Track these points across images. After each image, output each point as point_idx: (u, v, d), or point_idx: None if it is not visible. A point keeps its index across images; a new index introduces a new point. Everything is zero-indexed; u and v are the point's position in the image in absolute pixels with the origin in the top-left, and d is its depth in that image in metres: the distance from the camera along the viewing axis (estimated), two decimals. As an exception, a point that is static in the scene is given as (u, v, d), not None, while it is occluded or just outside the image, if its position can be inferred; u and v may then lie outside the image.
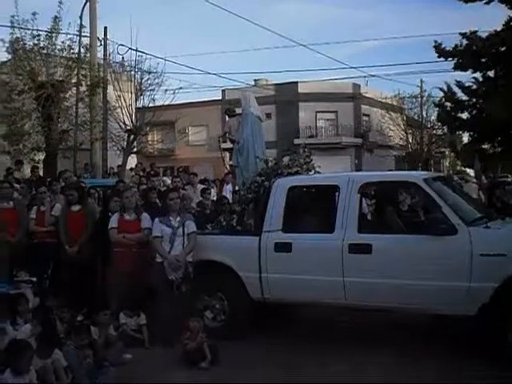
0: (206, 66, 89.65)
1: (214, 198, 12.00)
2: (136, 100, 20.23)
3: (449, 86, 26.65)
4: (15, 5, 16.04)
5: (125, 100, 19.77)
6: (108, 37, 21.13)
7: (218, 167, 27.11)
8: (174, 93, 21.15)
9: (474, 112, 25.51)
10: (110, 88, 19.82)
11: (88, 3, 18.61)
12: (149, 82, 20.10)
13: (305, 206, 8.36)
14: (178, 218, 8.02)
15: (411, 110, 44.31)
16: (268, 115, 36.84)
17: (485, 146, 27.51)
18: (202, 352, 6.88)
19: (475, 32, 23.78)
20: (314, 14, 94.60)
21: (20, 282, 8.30)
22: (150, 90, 20.08)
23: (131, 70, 20.57)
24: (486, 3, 24.02)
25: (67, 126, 17.38)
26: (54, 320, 7.38)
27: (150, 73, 20.11)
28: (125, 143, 19.87)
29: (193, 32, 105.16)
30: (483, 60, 23.87)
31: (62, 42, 16.76)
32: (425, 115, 43.50)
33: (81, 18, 18.64)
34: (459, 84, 25.98)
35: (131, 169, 18.90)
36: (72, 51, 17.09)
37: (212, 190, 13.09)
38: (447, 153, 49.03)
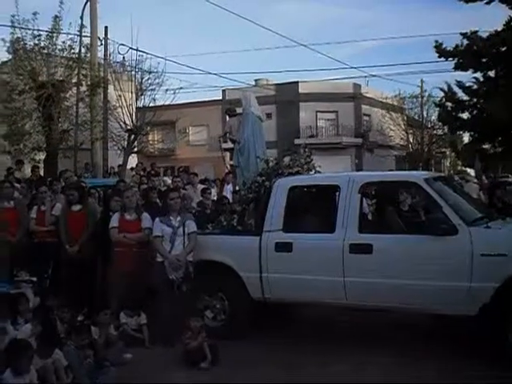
0: (206, 65, 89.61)
1: (215, 198, 12.01)
2: (136, 100, 20.23)
3: (449, 86, 26.65)
4: (16, 4, 16.06)
5: (125, 100, 19.76)
6: (109, 36, 21.21)
7: (218, 167, 27.12)
8: (174, 93, 21.16)
9: (475, 112, 25.51)
10: (110, 88, 19.83)
11: (88, 3, 18.64)
12: (149, 81, 20.10)
13: (305, 206, 8.35)
14: (179, 218, 8.02)
15: (412, 109, 44.33)
16: (268, 115, 36.85)
17: (485, 146, 27.51)
18: (202, 352, 6.89)
19: (476, 32, 23.78)
20: (314, 13, 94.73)
21: (20, 281, 8.30)
22: (151, 89, 20.08)
23: (132, 70, 20.60)
24: (487, 3, 24.02)
25: (68, 126, 17.39)
26: (55, 320, 7.37)
27: (150, 72, 20.12)
28: (125, 143, 19.87)
29: (193, 32, 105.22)
30: (484, 60, 23.87)
31: (63, 42, 16.80)
32: (425, 115, 43.51)
33: (81, 17, 18.70)
34: (460, 84, 25.98)
35: (132, 168, 18.92)
36: (73, 51, 17.11)
37: (212, 190, 13.08)
38: (448, 153, 49.02)
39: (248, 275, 7.79)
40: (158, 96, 20.37)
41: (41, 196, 9.61)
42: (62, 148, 17.44)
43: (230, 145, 11.62)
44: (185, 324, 7.14)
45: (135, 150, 20.69)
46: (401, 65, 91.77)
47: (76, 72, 17.21)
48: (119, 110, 19.85)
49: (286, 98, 41.59)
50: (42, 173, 15.97)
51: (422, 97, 43.41)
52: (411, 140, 43.19)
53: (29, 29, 16.19)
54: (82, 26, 18.19)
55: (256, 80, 42.47)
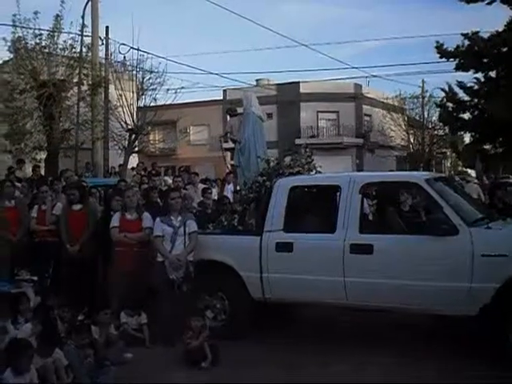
0: (207, 65, 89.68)
1: (216, 198, 12.02)
2: (137, 99, 20.26)
3: (450, 87, 26.71)
4: (17, 4, 16.07)
5: (126, 99, 19.79)
6: (110, 36, 21.25)
7: (219, 167, 27.13)
8: (175, 92, 21.20)
9: (476, 112, 25.57)
10: (111, 87, 19.85)
11: (90, 2, 18.68)
12: (150, 81, 20.15)
13: (306, 206, 8.35)
14: (180, 218, 8.02)
15: (413, 110, 44.30)
16: (269, 115, 36.81)
17: (486, 147, 27.56)
18: (203, 352, 6.89)
19: (477, 33, 23.83)
20: (314, 13, 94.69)
21: (21, 280, 8.31)
22: (152, 89, 20.13)
23: (133, 70, 20.64)
24: (488, 4, 24.09)
25: (69, 125, 17.41)
26: (55, 319, 7.37)
27: (151, 72, 20.16)
28: (126, 142, 19.89)
29: (194, 32, 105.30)
30: (485, 60, 23.92)
31: (64, 41, 16.83)
32: (426, 115, 43.49)
33: (83, 17, 18.74)
34: (461, 84, 26.03)
35: (132, 168, 18.94)
36: (74, 50, 17.14)
37: (213, 190, 13.09)
38: (449, 153, 49.05)
39: (248, 275, 7.79)
40: (159, 96, 20.47)
41: (42, 195, 9.62)
42: (63, 147, 17.47)
43: (230, 145, 11.61)
44: (186, 324, 7.14)
45: (136, 149, 20.71)
46: (402, 65, 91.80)
47: (77, 71, 17.23)
48: (120, 109, 19.88)
49: (287, 98, 41.61)
50: (42, 172, 15.98)
51: (423, 97, 43.40)
52: (412, 140, 43.19)
53: (30, 28, 16.24)
54: (83, 25, 18.26)
55: (257, 80, 42.49)
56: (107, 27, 21.09)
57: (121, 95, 19.80)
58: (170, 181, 15.15)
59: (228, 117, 12.89)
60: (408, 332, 7.97)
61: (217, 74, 43.23)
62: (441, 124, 35.79)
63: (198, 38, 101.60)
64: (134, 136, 19.73)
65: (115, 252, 8.41)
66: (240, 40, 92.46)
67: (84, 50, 17.81)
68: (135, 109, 20.05)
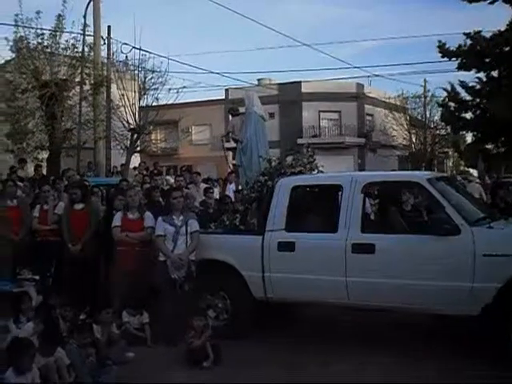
0: (209, 65, 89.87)
1: (217, 197, 12.02)
2: (139, 99, 20.23)
3: (452, 86, 26.69)
4: (19, 3, 16.12)
5: (128, 99, 19.78)
6: (112, 36, 21.24)
7: (221, 166, 27.13)
8: (177, 92, 21.15)
9: (478, 112, 25.54)
10: (113, 87, 19.85)
11: (92, 2, 18.69)
12: (152, 80, 20.11)
13: (308, 206, 8.35)
14: (181, 217, 8.02)
15: (414, 109, 44.23)
16: (271, 115, 36.83)
17: (488, 146, 27.54)
18: (205, 351, 6.89)
19: (479, 32, 23.81)
20: (316, 13, 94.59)
21: (23, 280, 8.31)
22: (154, 88, 20.08)
23: (135, 69, 20.58)
24: (490, 3, 24.05)
25: (71, 125, 17.44)
26: (57, 318, 7.37)
27: (153, 72, 20.13)
28: (128, 142, 19.89)
29: (196, 31, 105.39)
30: (487, 60, 23.90)
31: (66, 41, 16.86)
32: (428, 115, 43.47)
33: (85, 16, 18.76)
34: (463, 84, 26.00)
35: (134, 168, 18.96)
36: (76, 50, 17.17)
37: (215, 190, 13.11)
38: (451, 153, 49.04)
39: (250, 274, 7.79)
40: (161, 95, 20.44)
41: (44, 195, 9.63)
42: (65, 147, 17.49)
43: (232, 144, 11.61)
44: (188, 323, 7.14)
45: (138, 149, 20.71)
46: (404, 65, 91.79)
47: (79, 71, 17.25)
48: (122, 109, 19.88)
49: (289, 97, 41.56)
50: (44, 172, 15.98)
51: (425, 97, 43.36)
52: (414, 140, 43.14)
53: (32, 28, 16.26)
54: (85, 25, 18.27)
55: (259, 79, 42.44)
56: (109, 27, 21.12)
57: (123, 95, 19.80)
58: (171, 180, 15.16)
59: (230, 116, 12.89)
60: (409, 332, 7.97)
61: (218, 74, 43.29)
62: (443, 123, 35.72)
63: (199, 37, 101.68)
64: (135, 135, 19.73)
65: (117, 251, 8.42)
66: (242, 39, 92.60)
67: (86, 49, 17.85)
68: (137, 108, 20.03)
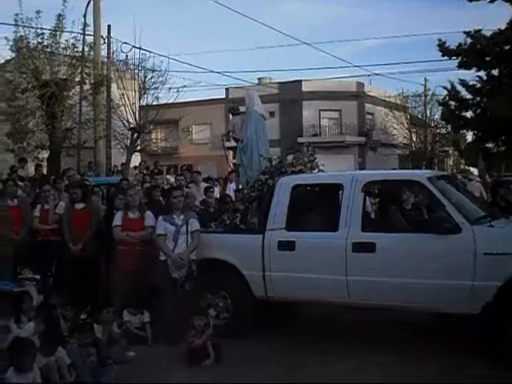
0: (209, 64, 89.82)
1: (218, 197, 12.02)
2: (140, 98, 20.25)
3: (453, 85, 26.65)
4: (19, 3, 16.12)
5: (128, 98, 19.80)
6: (112, 35, 21.26)
7: (221, 165, 27.13)
8: (177, 91, 21.18)
9: (478, 111, 25.52)
10: (113, 86, 19.86)
11: (92, 1, 18.67)
12: (152, 80, 20.14)
13: (308, 205, 8.35)
14: (182, 216, 8.02)
15: (415, 108, 44.25)
16: (272, 114, 36.81)
17: (489, 145, 27.52)
18: (205, 350, 6.90)
19: (479, 31, 23.79)
20: (316, 12, 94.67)
21: (24, 279, 8.31)
22: (154, 88, 20.12)
23: (135, 69, 20.60)
24: (490, 2, 24.01)
25: (71, 124, 17.44)
26: (58, 318, 7.38)
27: (153, 71, 20.16)
28: (128, 141, 19.91)
29: (196, 30, 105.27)
30: (487, 58, 23.88)
31: (66, 41, 16.87)
32: (429, 114, 43.46)
33: (85, 16, 18.76)
34: (463, 83, 25.98)
35: (135, 167, 18.95)
36: (76, 49, 17.17)
37: (215, 189, 13.11)
38: (451, 151, 49.02)
39: (251, 273, 7.79)
40: (161, 94, 20.47)
41: (44, 194, 9.63)
42: (66, 146, 17.49)
43: (233, 143, 11.62)
44: (189, 322, 7.14)
45: (138, 148, 20.73)
46: (404, 63, 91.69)
47: (79, 70, 17.25)
48: (122, 108, 19.91)
49: (290, 96, 41.55)
50: (45, 171, 15.98)
51: (426, 95, 43.35)
52: (414, 139, 43.15)
53: (32, 27, 16.27)
54: (85, 24, 18.27)
55: (259, 78, 42.45)
56: (109, 26, 21.14)
57: (123, 94, 19.82)
58: (172, 179, 15.18)
59: (230, 115, 12.89)
60: (409, 330, 7.97)
61: (219, 73, 43.22)
62: (443, 122, 35.69)
63: (199, 36, 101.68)
64: (136, 135, 19.75)
65: (118, 251, 8.42)
66: (242, 38, 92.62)
67: (86, 49, 17.86)
68: (137, 108, 20.06)
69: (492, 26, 27.14)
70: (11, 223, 9.19)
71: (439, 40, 25.03)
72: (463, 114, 26.58)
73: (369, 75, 42.39)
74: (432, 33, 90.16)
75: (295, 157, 9.11)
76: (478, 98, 25.49)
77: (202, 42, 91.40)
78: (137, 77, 20.56)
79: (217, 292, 8.06)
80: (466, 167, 40.79)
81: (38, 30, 16.31)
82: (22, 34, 16.29)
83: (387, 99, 42.50)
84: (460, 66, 24.77)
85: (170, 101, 20.83)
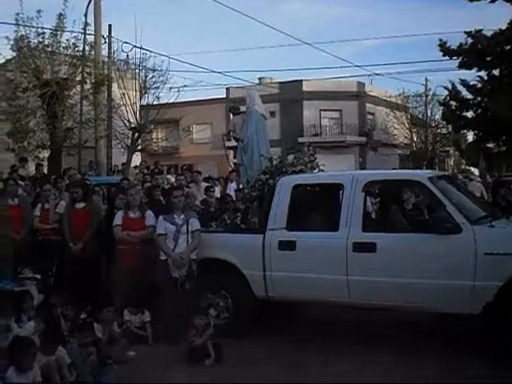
0: (210, 64, 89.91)
1: (218, 196, 12.02)
2: (140, 98, 20.26)
3: (453, 85, 26.63)
4: (20, 2, 16.15)
5: (129, 98, 19.80)
6: (112, 34, 21.25)
7: (222, 165, 27.11)
8: (178, 91, 21.20)
9: (479, 111, 25.51)
10: (114, 86, 19.86)
11: (93, 1, 18.66)
12: (153, 79, 20.14)
13: (309, 205, 8.35)
14: (182, 216, 8.02)
15: (416, 108, 44.22)
16: (272, 113, 36.77)
17: (490, 145, 27.50)
18: (206, 350, 6.89)
19: (480, 31, 23.78)
20: (316, 12, 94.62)
21: (24, 279, 8.32)
22: (155, 87, 20.12)
23: (136, 68, 20.60)
24: (491, 2, 23.99)
25: (72, 124, 17.46)
26: (58, 317, 7.38)
27: (154, 71, 20.15)
28: (129, 141, 19.91)
29: (197, 30, 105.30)
30: (488, 58, 23.87)
31: (67, 40, 16.90)
32: (429, 114, 43.42)
33: (85, 15, 18.76)
34: (464, 83, 25.97)
35: (135, 167, 18.96)
36: (77, 49, 17.21)
37: (216, 188, 13.11)
38: (452, 151, 48.97)
39: (251, 273, 7.79)
40: (162, 94, 20.47)
41: (45, 194, 9.62)
42: (66, 146, 17.50)
43: (233, 143, 11.62)
44: (189, 322, 7.14)
45: (139, 148, 20.74)
46: (405, 63, 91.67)
47: (80, 70, 17.27)
48: (123, 108, 19.90)
49: (290, 96, 41.54)
50: (45, 170, 16.01)
51: (426, 95, 43.32)
52: (415, 139, 43.13)
53: (33, 27, 16.30)
54: (86, 23, 18.27)
55: (260, 78, 42.46)
56: (110, 26, 21.12)
57: (124, 94, 19.82)
58: (172, 179, 15.18)
59: (231, 115, 12.90)
60: (410, 331, 7.96)
61: (219, 73, 43.21)
62: (444, 122, 35.70)
63: (200, 36, 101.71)
64: (136, 134, 19.76)
65: (118, 250, 8.42)
66: (243, 38, 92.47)
67: (87, 48, 17.86)
68: (138, 107, 20.06)
69: (493, 26, 27.12)
70: (12, 222, 9.19)
71: (440, 40, 25.04)
72: (464, 114, 26.57)
73: (369, 75, 42.41)
74: (432, 33, 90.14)
75: (296, 157, 9.11)
76: (479, 98, 25.48)
77: (202, 41, 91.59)
78: (137, 76, 20.56)
79: (217, 292, 8.06)
80: (467, 167, 40.70)
81: (39, 30, 16.39)
82: (23, 33, 16.34)
83: (388, 99, 42.51)
84: (461, 66, 24.77)
85: (171, 100, 20.85)
